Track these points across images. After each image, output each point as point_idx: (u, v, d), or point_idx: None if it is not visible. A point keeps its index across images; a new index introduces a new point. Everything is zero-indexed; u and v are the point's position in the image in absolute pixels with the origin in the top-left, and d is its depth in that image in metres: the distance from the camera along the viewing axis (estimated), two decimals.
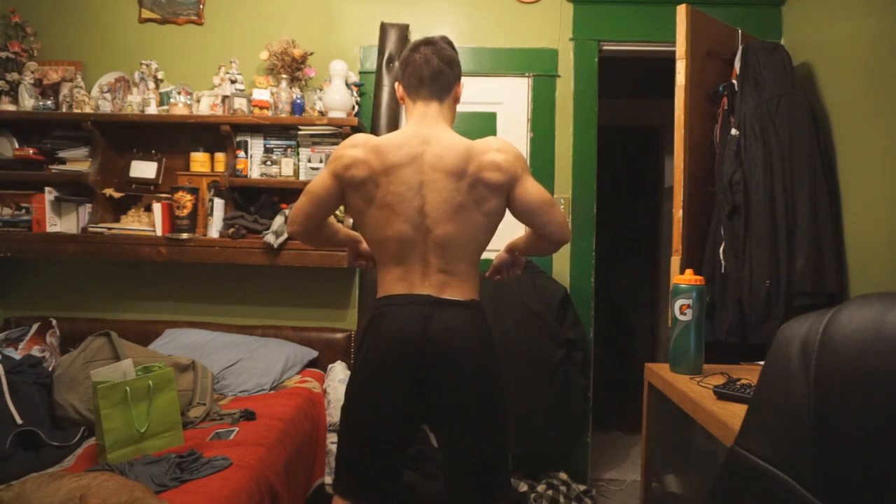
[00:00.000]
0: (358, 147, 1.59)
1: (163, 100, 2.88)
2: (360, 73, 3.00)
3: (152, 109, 2.84)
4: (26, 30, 2.96)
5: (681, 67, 2.32)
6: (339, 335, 2.95)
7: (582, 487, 2.73)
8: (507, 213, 1.68)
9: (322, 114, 2.81)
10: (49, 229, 2.84)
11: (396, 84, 1.72)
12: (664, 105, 2.64)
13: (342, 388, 2.64)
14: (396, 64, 2.85)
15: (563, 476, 2.74)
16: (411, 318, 1.54)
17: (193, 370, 2.34)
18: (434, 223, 1.56)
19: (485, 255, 1.71)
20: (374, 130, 2.88)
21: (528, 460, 2.81)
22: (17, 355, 2.32)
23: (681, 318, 1.85)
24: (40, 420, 2.02)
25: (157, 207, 2.82)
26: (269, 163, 2.83)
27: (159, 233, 2.81)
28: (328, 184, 1.61)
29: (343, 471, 1.63)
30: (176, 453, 1.84)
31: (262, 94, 2.82)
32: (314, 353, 2.88)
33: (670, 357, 1.91)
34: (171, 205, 2.81)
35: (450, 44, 1.68)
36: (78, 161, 2.89)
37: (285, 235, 2.72)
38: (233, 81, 2.86)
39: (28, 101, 2.87)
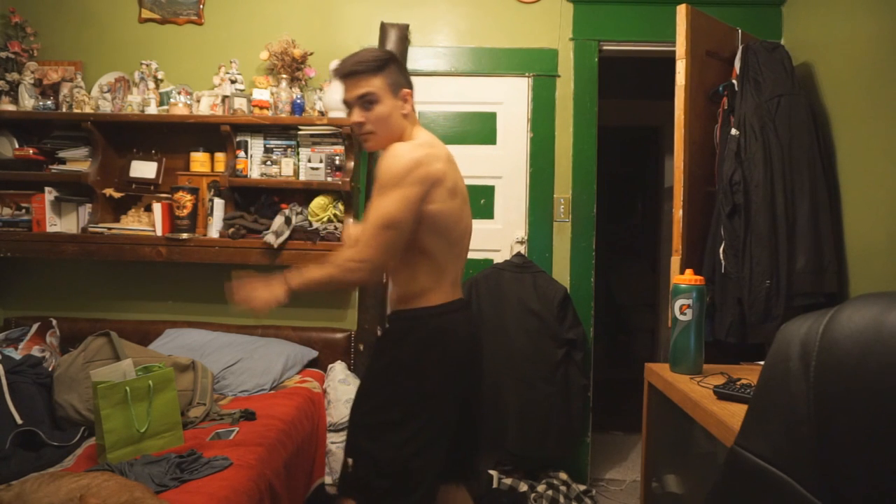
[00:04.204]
0: (437, 161, 1.59)
1: (163, 100, 2.88)
2: None
3: (152, 109, 2.84)
4: (26, 30, 2.96)
5: (681, 67, 2.32)
6: (339, 335, 2.95)
7: (582, 487, 2.73)
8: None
9: (322, 114, 2.81)
10: (49, 229, 2.84)
11: (409, 92, 1.68)
12: (664, 105, 2.64)
13: (342, 388, 2.64)
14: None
15: (563, 476, 2.74)
16: (470, 323, 1.72)
17: (193, 370, 2.34)
18: (469, 224, 1.72)
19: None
20: None
21: (528, 460, 2.81)
22: (17, 355, 2.32)
23: (681, 318, 1.85)
24: (40, 420, 2.02)
25: (157, 207, 2.82)
26: (269, 163, 2.83)
27: (159, 233, 2.81)
28: (415, 209, 1.54)
29: (421, 480, 1.59)
30: (176, 453, 1.84)
31: (262, 94, 2.82)
32: (314, 353, 2.88)
33: (670, 357, 1.91)
34: (171, 205, 2.81)
35: None
36: (78, 161, 2.89)
37: (285, 235, 2.72)
38: (233, 81, 2.86)
39: (28, 101, 2.87)
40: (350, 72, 1.61)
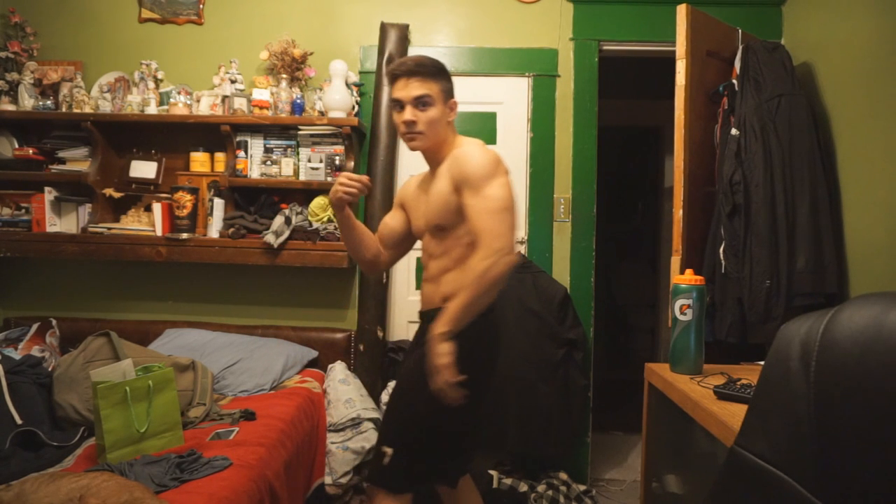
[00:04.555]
0: None
1: (163, 100, 2.88)
2: (360, 73, 3.00)
3: (152, 109, 2.84)
4: (26, 30, 2.96)
5: (681, 67, 2.32)
6: (339, 335, 2.95)
7: (582, 487, 2.73)
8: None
9: (322, 114, 2.81)
10: (49, 229, 2.84)
11: (456, 102, 1.77)
12: (664, 105, 2.64)
13: (342, 388, 2.64)
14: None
15: (563, 476, 2.74)
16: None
17: (193, 370, 2.34)
18: None
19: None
20: (374, 130, 2.88)
21: (528, 460, 2.81)
22: (17, 355, 2.32)
23: (681, 318, 1.85)
24: (40, 420, 2.02)
25: (157, 207, 2.82)
26: (269, 163, 2.83)
27: (159, 233, 2.81)
28: (513, 193, 1.66)
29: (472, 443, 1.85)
30: (176, 453, 1.84)
31: (262, 94, 2.82)
32: (314, 353, 2.88)
33: (670, 357, 1.91)
34: (171, 205, 2.81)
35: None
36: (78, 161, 2.89)
37: (285, 235, 2.72)
38: (233, 81, 2.86)
39: (28, 101, 2.87)
40: (412, 71, 1.68)
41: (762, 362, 0.84)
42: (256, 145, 2.87)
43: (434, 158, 1.77)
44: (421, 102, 1.68)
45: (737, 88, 2.41)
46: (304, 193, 2.89)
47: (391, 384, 2.79)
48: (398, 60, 1.74)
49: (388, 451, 1.69)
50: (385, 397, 2.76)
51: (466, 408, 1.66)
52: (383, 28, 2.91)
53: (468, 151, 1.65)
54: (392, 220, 1.95)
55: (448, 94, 1.74)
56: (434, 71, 1.70)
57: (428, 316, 1.77)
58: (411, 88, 1.67)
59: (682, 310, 1.85)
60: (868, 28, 2.22)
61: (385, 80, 2.86)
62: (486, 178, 1.59)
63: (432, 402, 1.63)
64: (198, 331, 2.87)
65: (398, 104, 1.70)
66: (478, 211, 1.59)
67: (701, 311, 1.85)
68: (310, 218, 2.80)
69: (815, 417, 0.64)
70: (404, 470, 1.69)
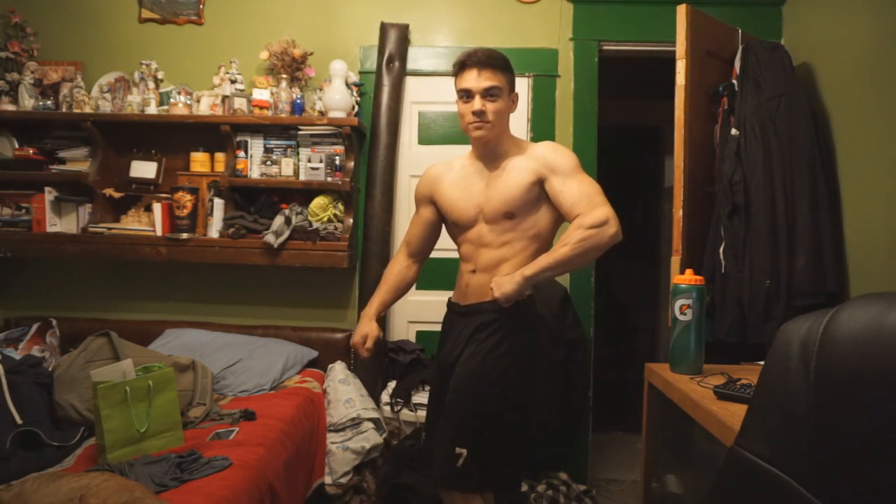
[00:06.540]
0: None
1: (163, 100, 2.88)
2: (360, 73, 3.00)
3: (152, 109, 2.84)
4: (26, 30, 2.96)
5: (681, 67, 2.32)
6: (339, 335, 2.94)
7: (582, 487, 2.73)
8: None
9: (322, 114, 2.81)
10: (49, 229, 2.83)
11: (517, 95, 1.83)
12: (664, 105, 2.64)
13: (342, 388, 2.64)
14: (397, 64, 2.85)
15: (563, 476, 2.74)
16: None
17: (193, 370, 2.34)
18: None
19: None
20: (374, 130, 2.88)
21: (527, 460, 2.80)
22: (17, 355, 2.32)
23: (681, 318, 1.85)
24: (40, 420, 2.02)
25: (157, 207, 2.82)
26: (268, 163, 2.83)
27: (159, 233, 2.81)
28: None
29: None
30: (176, 453, 1.84)
31: (262, 94, 2.82)
32: (314, 353, 2.88)
33: (670, 357, 1.91)
34: (171, 205, 2.81)
35: None
36: (78, 161, 2.89)
37: (285, 235, 2.72)
38: (233, 81, 2.86)
39: (28, 101, 2.87)
40: (483, 62, 1.72)
41: (762, 362, 0.85)
42: (256, 145, 2.87)
43: (493, 150, 1.81)
44: (490, 93, 1.73)
45: (737, 88, 2.41)
46: (304, 193, 2.89)
47: (391, 384, 2.79)
48: (467, 51, 1.76)
49: (463, 451, 1.65)
50: (385, 397, 2.76)
51: (530, 403, 1.71)
52: (383, 28, 2.91)
53: (555, 145, 1.79)
54: (426, 214, 1.95)
55: (512, 86, 1.79)
56: (504, 63, 1.76)
57: (477, 309, 1.74)
58: (482, 79, 1.72)
59: (682, 310, 1.85)
60: (868, 28, 2.22)
61: (385, 81, 2.86)
62: (577, 167, 1.71)
63: (503, 399, 1.66)
64: (198, 331, 2.86)
65: (467, 94, 1.74)
66: (579, 189, 1.67)
67: (701, 311, 1.85)
68: (310, 218, 2.80)
69: (814, 417, 0.64)
70: (480, 470, 1.66)
